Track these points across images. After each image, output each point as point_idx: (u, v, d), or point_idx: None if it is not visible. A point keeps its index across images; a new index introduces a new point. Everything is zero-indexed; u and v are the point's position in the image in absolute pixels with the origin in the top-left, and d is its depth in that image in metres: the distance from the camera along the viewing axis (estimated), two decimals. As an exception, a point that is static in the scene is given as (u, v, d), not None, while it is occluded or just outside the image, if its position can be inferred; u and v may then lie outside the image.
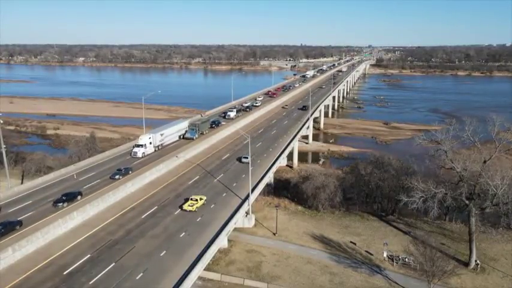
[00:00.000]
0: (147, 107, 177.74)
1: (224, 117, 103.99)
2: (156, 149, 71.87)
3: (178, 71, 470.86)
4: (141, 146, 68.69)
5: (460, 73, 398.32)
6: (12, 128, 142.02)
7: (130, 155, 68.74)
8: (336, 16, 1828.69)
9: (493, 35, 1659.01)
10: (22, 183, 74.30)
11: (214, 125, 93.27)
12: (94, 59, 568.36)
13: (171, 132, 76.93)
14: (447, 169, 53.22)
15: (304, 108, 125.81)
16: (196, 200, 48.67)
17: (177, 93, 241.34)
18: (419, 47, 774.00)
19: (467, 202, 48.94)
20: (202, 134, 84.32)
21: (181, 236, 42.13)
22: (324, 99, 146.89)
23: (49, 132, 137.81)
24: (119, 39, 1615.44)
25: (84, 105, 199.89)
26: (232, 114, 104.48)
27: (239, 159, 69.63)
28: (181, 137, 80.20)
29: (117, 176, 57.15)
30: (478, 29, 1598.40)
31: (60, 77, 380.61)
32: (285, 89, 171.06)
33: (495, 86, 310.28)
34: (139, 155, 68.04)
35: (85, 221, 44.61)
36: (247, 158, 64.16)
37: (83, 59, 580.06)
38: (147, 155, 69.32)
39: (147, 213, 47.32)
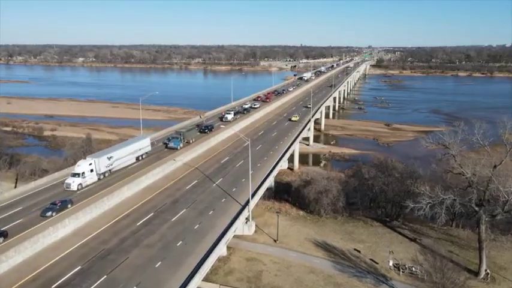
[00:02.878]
0: (146, 107, 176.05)
1: (221, 119, 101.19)
2: (101, 176, 56.87)
3: (178, 71, 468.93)
4: (78, 175, 53.16)
5: (461, 74, 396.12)
6: (9, 129, 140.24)
7: (64, 187, 52.97)
8: (336, 16, 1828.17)
9: (492, 36, 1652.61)
10: (16, 187, 72.26)
11: (208, 129, 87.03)
12: (93, 59, 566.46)
13: (125, 154, 62.08)
14: (455, 174, 51.18)
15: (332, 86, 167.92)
16: (297, 116, 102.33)
17: (177, 93, 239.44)
18: (419, 47, 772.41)
19: (477, 209, 46.88)
20: (188, 143, 76.10)
21: (178, 245, 40.06)
22: (325, 100, 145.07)
23: (46, 133, 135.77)
24: (119, 40, 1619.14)
25: (83, 106, 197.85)
26: (229, 116, 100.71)
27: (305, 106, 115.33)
28: (140, 157, 66.27)
29: (49, 213, 44.46)
30: (477, 29, 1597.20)
31: (59, 77, 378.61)
32: (277, 93, 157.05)
33: (496, 86, 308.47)
34: (74, 187, 52.17)
35: (77, 229, 42.49)
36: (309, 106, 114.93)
37: (82, 59, 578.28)
38: (87, 186, 53.88)
39: (143, 220, 45.24)
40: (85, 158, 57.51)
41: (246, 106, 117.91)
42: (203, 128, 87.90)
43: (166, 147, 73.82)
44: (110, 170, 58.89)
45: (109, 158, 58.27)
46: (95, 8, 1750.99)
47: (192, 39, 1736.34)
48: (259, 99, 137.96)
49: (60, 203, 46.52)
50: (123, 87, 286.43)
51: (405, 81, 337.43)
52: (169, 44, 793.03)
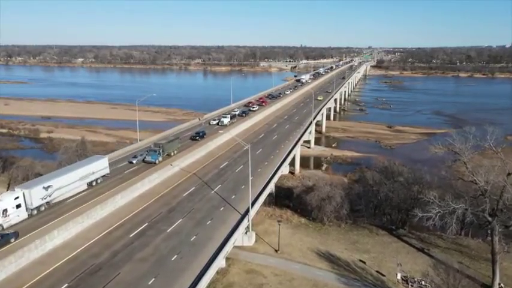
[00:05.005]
0: (145, 109, 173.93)
1: (217, 123, 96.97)
2: (35, 212, 45.30)
3: (178, 72, 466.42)
4: None
5: (462, 74, 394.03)
6: (4, 131, 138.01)
7: None
8: (336, 17, 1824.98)
9: (492, 37, 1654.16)
10: (7, 192, 69.67)
11: (199, 136, 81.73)
12: (93, 59, 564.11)
13: (71, 180, 50.38)
14: (465, 181, 48.66)
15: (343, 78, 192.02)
16: (321, 96, 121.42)
17: (176, 94, 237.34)
18: (419, 48, 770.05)
19: (490, 219, 44.36)
20: (169, 155, 68.59)
21: (173, 259, 37.54)
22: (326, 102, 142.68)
23: (42, 135, 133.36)
24: (118, 40, 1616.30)
25: (81, 107, 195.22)
26: (226, 120, 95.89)
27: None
28: (95, 182, 54.72)
29: None
30: (477, 30, 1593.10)
31: (58, 78, 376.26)
32: (272, 97, 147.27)
33: (498, 87, 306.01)
34: None
35: (66, 241, 39.96)
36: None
37: (81, 59, 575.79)
38: (11, 226, 41.93)
39: (136, 231, 42.71)
40: (13, 189, 45.86)
41: (235, 113, 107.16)
42: (194, 134, 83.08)
43: (144, 160, 65.46)
44: (47, 203, 47.27)
45: (46, 188, 46.52)
46: (95, 8, 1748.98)
47: (191, 39, 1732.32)
48: (250, 104, 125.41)
49: (0, 237, 38.31)
50: (122, 88, 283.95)
51: (406, 82, 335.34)
52: (168, 44, 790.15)
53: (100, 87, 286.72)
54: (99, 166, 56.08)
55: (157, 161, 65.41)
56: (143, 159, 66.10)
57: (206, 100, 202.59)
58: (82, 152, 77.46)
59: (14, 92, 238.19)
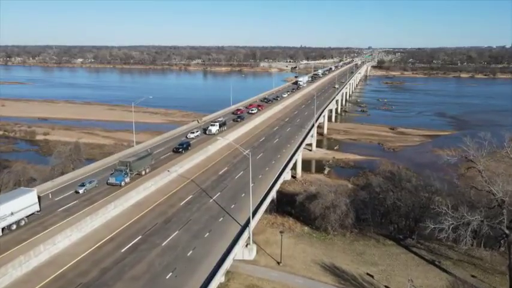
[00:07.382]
0: (143, 110, 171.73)
1: (205, 132, 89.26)
2: None
3: (178, 72, 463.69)
4: None
5: (463, 75, 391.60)
6: (0, 133, 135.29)
7: None
8: (336, 17, 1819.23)
9: (492, 37, 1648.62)
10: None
11: (182, 148, 73.36)
12: (92, 60, 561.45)
13: None
14: (479, 190, 45.88)
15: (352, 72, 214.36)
16: (337, 85, 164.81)
17: (176, 95, 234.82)
18: (419, 48, 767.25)
19: (507, 232, 41.59)
20: (139, 174, 59.02)
21: (167, 277, 34.69)
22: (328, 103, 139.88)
23: (38, 137, 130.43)
24: (118, 40, 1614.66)
25: (79, 108, 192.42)
26: (214, 128, 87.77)
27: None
28: (15, 225, 41.75)
29: None
30: (477, 31, 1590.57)
31: (57, 78, 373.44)
32: (267, 101, 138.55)
33: (500, 88, 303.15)
34: None
35: (52, 257, 37.12)
36: None
37: (81, 60, 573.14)
38: None
39: (129, 245, 39.81)
40: None
41: (224, 120, 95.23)
42: (177, 146, 74.62)
43: (107, 183, 55.33)
44: None
45: None
46: (94, 8, 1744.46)
47: (191, 40, 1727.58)
48: (238, 112, 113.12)
49: None
50: (121, 88, 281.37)
51: (407, 83, 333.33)
52: (168, 45, 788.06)
53: (99, 88, 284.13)
54: (23, 203, 42.92)
55: (123, 183, 55.36)
56: (106, 182, 55.55)
57: (206, 101, 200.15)
58: (76, 157, 74.59)
59: (12, 93, 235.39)
